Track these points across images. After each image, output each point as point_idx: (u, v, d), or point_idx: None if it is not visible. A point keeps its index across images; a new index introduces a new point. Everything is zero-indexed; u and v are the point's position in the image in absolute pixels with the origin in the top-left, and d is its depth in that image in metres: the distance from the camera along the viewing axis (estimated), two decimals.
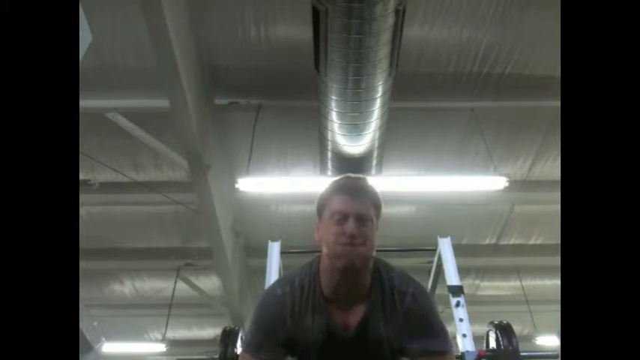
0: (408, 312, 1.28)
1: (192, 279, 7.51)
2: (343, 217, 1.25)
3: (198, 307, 8.08)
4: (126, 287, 8.16)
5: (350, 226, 1.23)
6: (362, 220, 1.24)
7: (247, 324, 1.38)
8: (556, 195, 4.54)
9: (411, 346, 1.28)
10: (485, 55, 4.75)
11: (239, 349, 2.83)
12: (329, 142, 4.39)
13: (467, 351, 2.88)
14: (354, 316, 1.29)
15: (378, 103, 3.93)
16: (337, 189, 1.32)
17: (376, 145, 4.47)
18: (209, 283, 7.70)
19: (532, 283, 7.94)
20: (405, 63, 4.28)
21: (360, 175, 1.38)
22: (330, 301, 1.30)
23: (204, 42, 4.57)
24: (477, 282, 8.09)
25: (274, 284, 1.44)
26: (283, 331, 1.29)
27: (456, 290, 3.18)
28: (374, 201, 1.30)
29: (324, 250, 1.29)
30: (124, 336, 7.46)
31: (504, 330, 2.91)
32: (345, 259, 1.22)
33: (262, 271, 3.65)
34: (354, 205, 1.25)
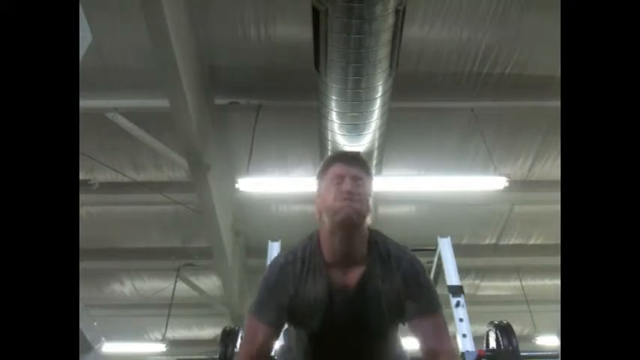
0: (405, 275, 1.38)
1: (192, 279, 7.51)
2: (340, 179, 1.38)
3: (198, 307, 8.08)
4: (126, 287, 8.16)
5: (347, 184, 1.36)
6: (357, 180, 1.38)
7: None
8: (556, 195, 4.55)
9: (407, 306, 1.37)
10: (485, 55, 4.75)
11: (239, 349, 2.83)
12: (329, 142, 4.39)
13: (467, 351, 2.88)
14: (354, 276, 1.38)
15: (378, 103, 3.93)
16: (334, 159, 1.48)
17: (376, 145, 4.47)
18: (209, 283, 7.70)
19: (532, 283, 7.94)
20: (405, 63, 4.28)
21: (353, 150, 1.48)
22: (330, 265, 1.39)
23: (204, 42, 4.57)
24: (477, 282, 8.08)
25: (278, 255, 1.54)
26: (286, 294, 1.38)
27: (456, 290, 3.18)
28: (367, 169, 1.45)
29: (324, 215, 1.39)
30: (124, 336, 7.46)
31: (504, 330, 2.90)
32: (344, 212, 1.32)
33: (262, 271, 3.63)
34: (350, 169, 1.39)
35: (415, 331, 1.37)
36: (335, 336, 1.39)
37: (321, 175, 1.45)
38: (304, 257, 1.41)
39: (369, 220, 1.40)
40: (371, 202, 1.40)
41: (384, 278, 1.37)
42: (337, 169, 1.40)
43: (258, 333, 1.37)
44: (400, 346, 1.53)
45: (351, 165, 1.41)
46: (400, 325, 1.49)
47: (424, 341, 1.35)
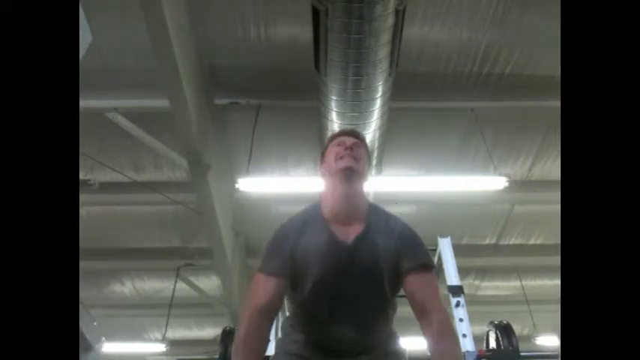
0: (401, 235, 1.48)
1: (193, 279, 7.51)
2: (342, 143, 1.57)
3: (198, 307, 8.08)
4: (126, 287, 8.16)
5: (347, 143, 1.56)
6: (356, 145, 1.57)
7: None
8: (556, 195, 4.54)
9: (403, 262, 1.43)
10: (485, 55, 4.75)
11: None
12: None
13: (467, 351, 2.88)
14: (354, 230, 1.46)
15: (378, 103, 3.93)
16: (336, 134, 1.68)
17: (376, 145, 4.47)
18: (209, 283, 7.70)
19: (532, 283, 7.94)
20: (405, 63, 4.27)
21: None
22: (331, 221, 1.48)
23: (204, 42, 4.57)
24: (477, 282, 8.08)
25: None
26: (288, 244, 1.44)
27: (456, 290, 3.18)
28: (362, 139, 1.65)
29: (328, 172, 1.55)
30: (124, 336, 7.45)
31: (504, 330, 2.91)
32: (345, 161, 1.50)
33: None
34: (350, 138, 1.60)
35: (409, 286, 1.41)
36: (333, 288, 1.40)
37: (326, 146, 1.66)
38: (306, 216, 1.52)
39: (366, 179, 1.56)
40: (366, 168, 1.58)
41: (383, 236, 1.45)
42: (339, 138, 1.61)
43: (262, 286, 1.41)
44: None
45: (349, 135, 1.62)
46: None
47: (417, 295, 1.38)
